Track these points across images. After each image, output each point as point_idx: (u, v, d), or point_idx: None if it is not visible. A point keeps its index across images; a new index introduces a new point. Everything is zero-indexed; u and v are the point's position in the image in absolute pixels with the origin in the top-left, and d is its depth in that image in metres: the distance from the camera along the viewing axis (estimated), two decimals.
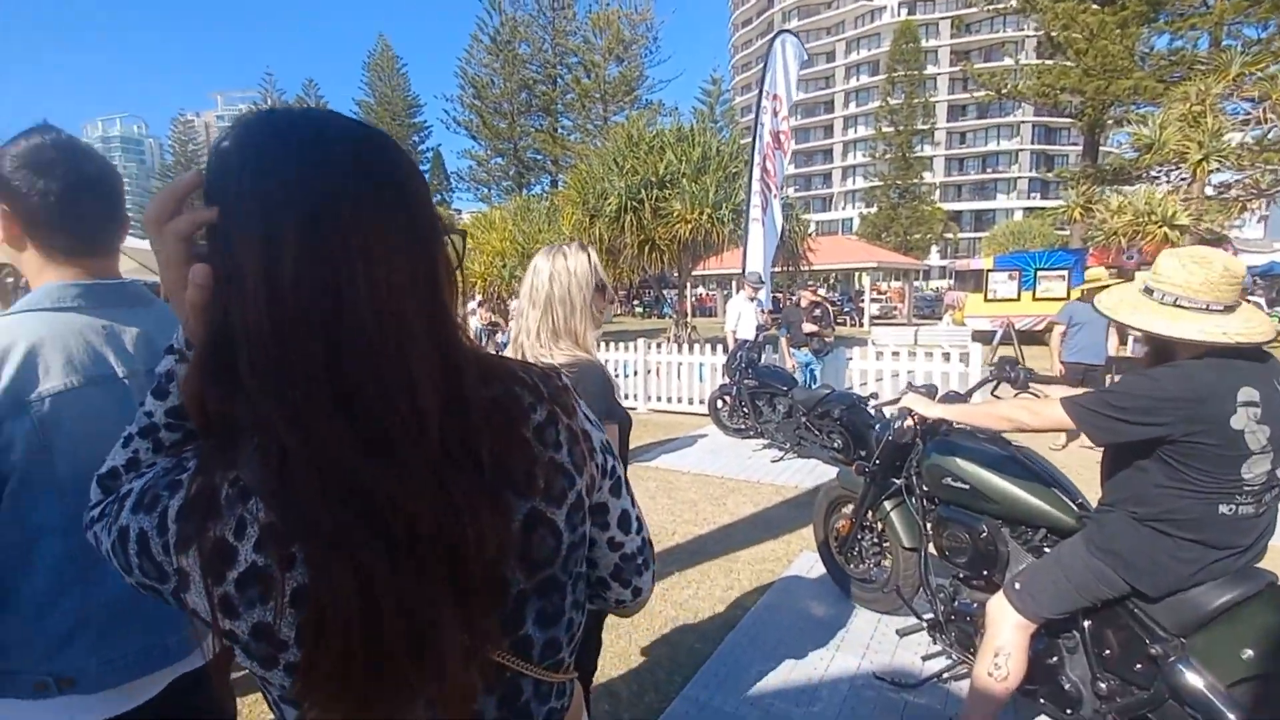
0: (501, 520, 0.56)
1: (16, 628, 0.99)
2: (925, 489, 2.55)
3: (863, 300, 26.86)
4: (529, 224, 18.40)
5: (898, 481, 2.69)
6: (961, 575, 2.39)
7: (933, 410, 2.31)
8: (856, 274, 31.87)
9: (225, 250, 0.52)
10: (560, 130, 36.22)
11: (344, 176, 0.52)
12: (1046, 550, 2.10)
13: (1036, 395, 2.19)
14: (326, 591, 0.50)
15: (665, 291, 23.80)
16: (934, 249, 45.01)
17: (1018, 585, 1.93)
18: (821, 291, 10.00)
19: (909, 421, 2.53)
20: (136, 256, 3.90)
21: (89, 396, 1.01)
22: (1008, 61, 27.12)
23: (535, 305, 1.66)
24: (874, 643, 2.81)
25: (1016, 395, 2.29)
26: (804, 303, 7.59)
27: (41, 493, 0.98)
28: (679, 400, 8.46)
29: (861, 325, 24.94)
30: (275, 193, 0.51)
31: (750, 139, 9.19)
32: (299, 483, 0.50)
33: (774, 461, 5.85)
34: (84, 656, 1.02)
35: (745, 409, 6.39)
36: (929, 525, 2.52)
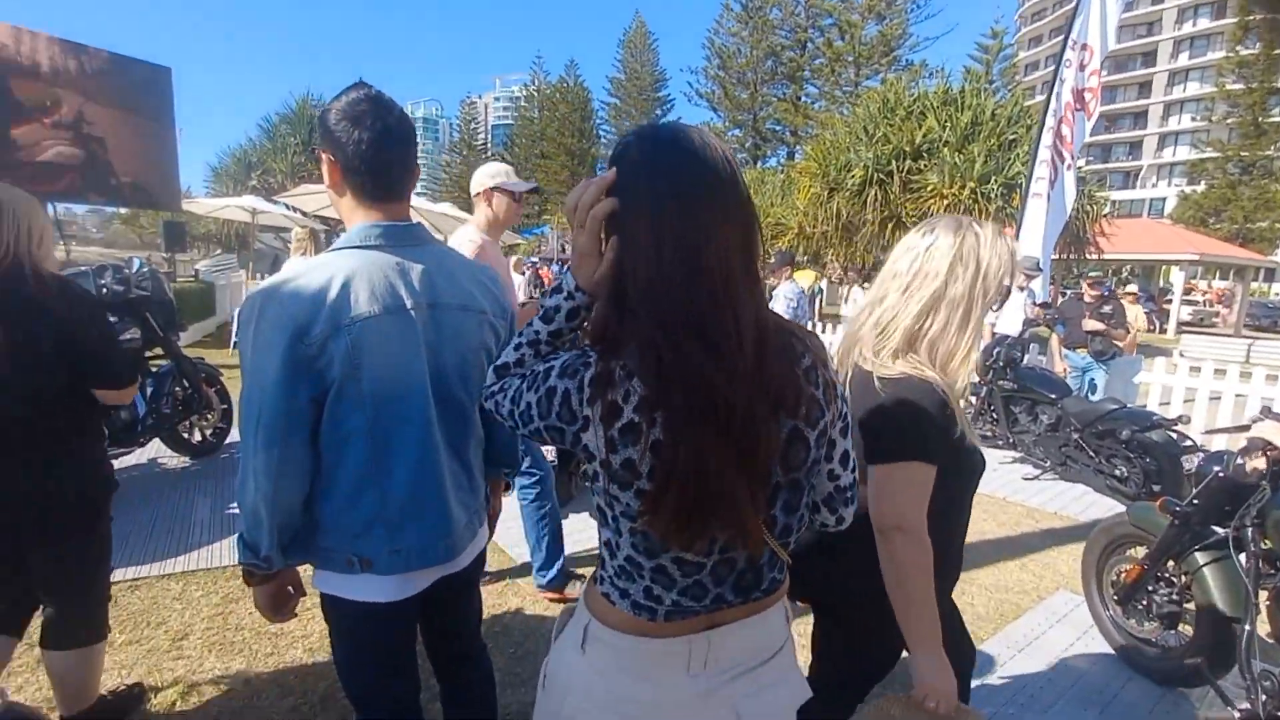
0: (776, 430, 0.80)
1: (333, 513, 1.20)
2: (1268, 547, 1.96)
3: (1169, 300, 21.67)
4: (761, 197, 18.08)
5: (1222, 531, 2.09)
6: None
7: None
8: (1163, 267, 25.74)
9: (626, 223, 0.78)
10: (804, 98, 34.73)
11: (704, 175, 0.77)
12: None
13: None
14: (678, 446, 0.75)
15: None
16: None
17: None
18: (1133, 288, 8.09)
19: (1259, 459, 1.92)
20: (418, 211, 4.64)
21: (385, 324, 1.16)
22: None
23: (910, 295, 1.22)
24: None
25: None
26: (1088, 295, 6.29)
27: (351, 403, 1.15)
28: None
29: (1163, 331, 20.21)
30: (662, 186, 0.77)
31: (1040, 99, 7.79)
32: (667, 374, 0.74)
33: (1027, 479, 5.02)
34: (379, 544, 1.20)
35: (996, 414, 5.55)
36: (1263, 594, 1.96)
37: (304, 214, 11.81)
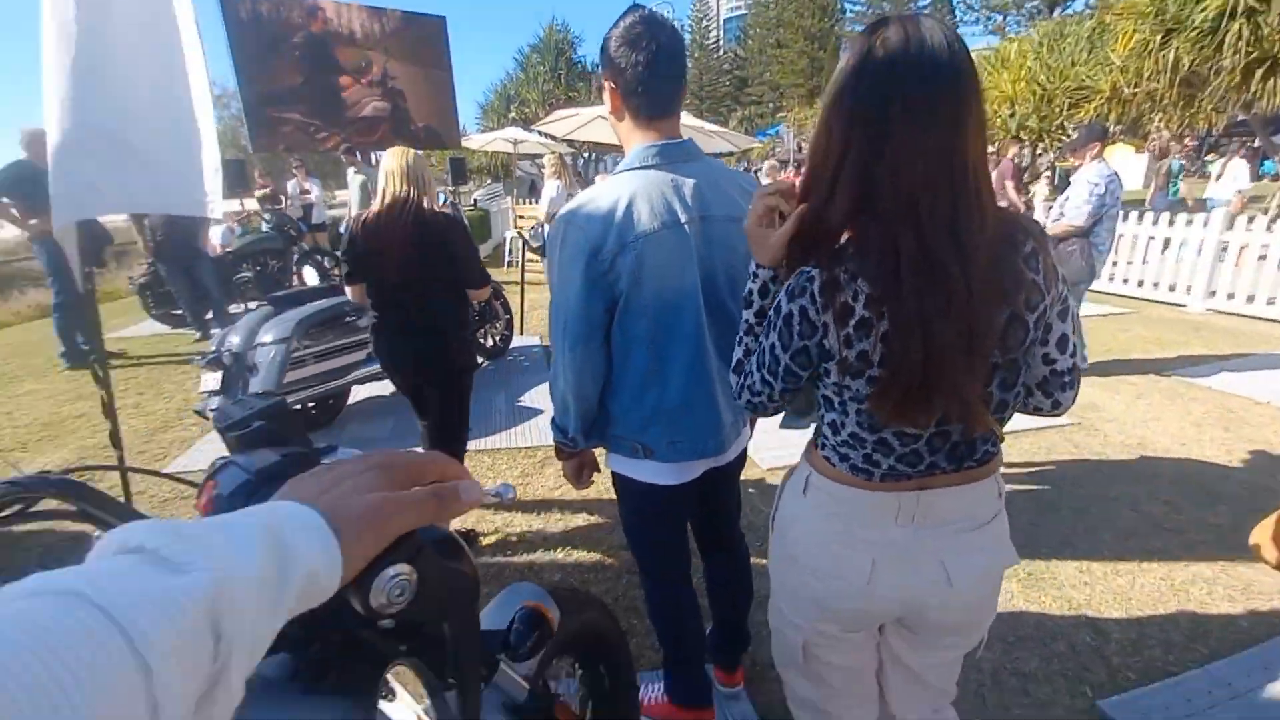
0: (997, 315, 0.85)
1: (621, 409, 1.37)
2: None
3: None
4: (1057, 57, 14.57)
5: None
6: None
7: None
8: None
9: (887, 129, 0.81)
10: None
11: (957, 72, 0.80)
12: None
13: None
14: (904, 334, 0.82)
15: (1273, 139, 16.04)
16: None
17: None
18: None
19: None
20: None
21: (663, 238, 1.23)
22: None
23: None
24: None
25: None
26: None
27: (635, 313, 1.27)
28: (1270, 302, 5.91)
29: None
30: (920, 90, 0.80)
31: None
32: (903, 272, 0.81)
33: None
34: (658, 436, 1.36)
35: None
36: None
37: (554, 139, 12.80)
